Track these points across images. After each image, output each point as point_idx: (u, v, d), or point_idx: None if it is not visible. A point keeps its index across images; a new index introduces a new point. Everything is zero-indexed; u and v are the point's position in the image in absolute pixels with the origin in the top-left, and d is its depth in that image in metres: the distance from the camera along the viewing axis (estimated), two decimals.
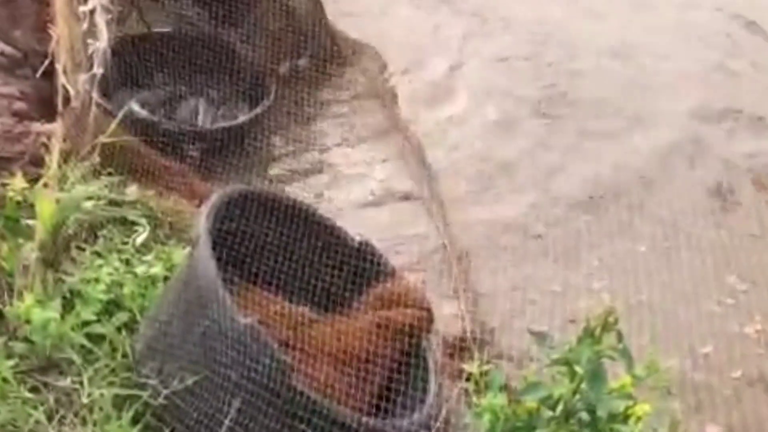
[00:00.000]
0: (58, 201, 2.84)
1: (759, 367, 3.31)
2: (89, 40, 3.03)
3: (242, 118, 4.11)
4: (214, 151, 3.86)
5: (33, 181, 3.16)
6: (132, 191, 3.17)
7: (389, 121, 4.46)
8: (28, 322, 2.52)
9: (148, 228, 3.04)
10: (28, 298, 2.55)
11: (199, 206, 3.33)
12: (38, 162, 3.33)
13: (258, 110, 4.06)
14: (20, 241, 2.77)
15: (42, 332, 2.48)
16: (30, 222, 2.86)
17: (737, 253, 3.79)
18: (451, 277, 3.35)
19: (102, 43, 2.98)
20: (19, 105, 3.87)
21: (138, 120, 3.74)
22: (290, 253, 2.70)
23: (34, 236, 2.78)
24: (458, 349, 2.89)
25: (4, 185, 3.14)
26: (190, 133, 3.86)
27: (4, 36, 4.33)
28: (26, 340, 2.51)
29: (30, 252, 2.69)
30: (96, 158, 3.19)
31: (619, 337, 1.98)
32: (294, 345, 2.44)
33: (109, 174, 3.23)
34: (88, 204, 2.92)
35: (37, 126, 3.64)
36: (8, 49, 4.21)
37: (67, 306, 2.64)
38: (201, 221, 2.40)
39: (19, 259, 2.69)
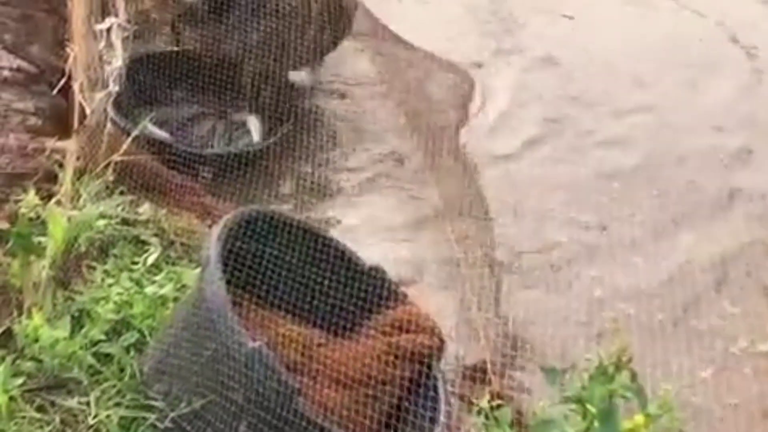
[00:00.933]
0: (70, 219, 2.84)
1: None
2: (107, 58, 3.03)
3: (257, 144, 4.08)
4: (226, 173, 3.85)
5: (46, 197, 3.17)
6: (144, 210, 3.18)
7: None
8: (36, 340, 2.51)
9: (159, 247, 3.04)
10: (38, 317, 2.54)
11: (211, 226, 3.33)
12: (52, 178, 3.35)
13: (274, 138, 4.04)
14: (31, 258, 2.77)
15: (50, 351, 2.48)
16: (41, 239, 2.86)
17: None
18: (479, 303, 3.30)
19: (118, 61, 2.99)
20: (34, 121, 3.89)
21: (152, 139, 3.75)
22: (300, 275, 2.69)
23: (45, 253, 2.79)
24: (479, 377, 2.86)
25: (17, 201, 3.16)
26: (202, 155, 3.84)
27: (21, 51, 4.35)
28: (34, 358, 2.50)
29: (41, 270, 2.69)
30: (110, 176, 3.19)
31: (633, 375, 1.95)
32: (302, 368, 2.43)
33: (122, 192, 3.23)
34: (101, 222, 2.91)
35: (51, 142, 3.65)
36: (24, 65, 4.23)
37: (76, 325, 2.63)
38: (212, 243, 2.40)
39: (29, 276, 2.69)
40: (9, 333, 2.62)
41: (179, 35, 4.20)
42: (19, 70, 4.17)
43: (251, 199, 3.81)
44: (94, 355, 2.55)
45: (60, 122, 4.07)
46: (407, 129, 4.49)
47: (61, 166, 3.28)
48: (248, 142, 4.13)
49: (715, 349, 3.32)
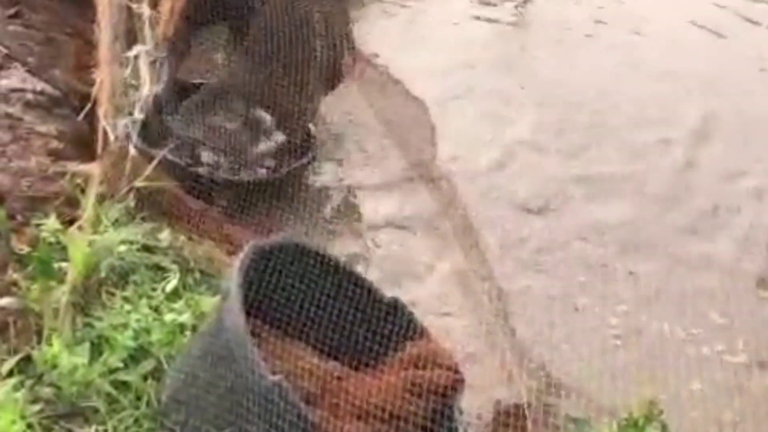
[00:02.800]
0: (91, 244, 2.85)
1: None
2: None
3: (275, 173, 4.09)
4: (243, 200, 3.85)
5: (67, 222, 3.18)
6: (164, 236, 3.17)
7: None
8: (55, 366, 2.51)
9: (178, 274, 3.03)
10: (57, 343, 2.54)
11: (230, 253, 3.33)
12: (73, 203, 3.36)
13: (292, 166, 4.05)
14: (51, 283, 2.77)
15: (69, 378, 2.47)
16: (62, 264, 2.87)
17: None
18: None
19: (145, 88, 3.00)
20: (56, 144, 3.91)
21: (171, 164, 3.75)
22: (320, 306, 2.68)
23: (66, 279, 2.79)
24: (512, 416, 2.84)
25: (38, 225, 3.17)
26: (219, 181, 3.85)
27: (44, 74, 4.39)
28: (53, 385, 2.50)
29: (61, 295, 2.69)
30: (131, 201, 3.19)
31: (663, 428, 1.92)
32: (321, 401, 2.42)
33: (143, 218, 3.24)
34: (121, 249, 2.91)
35: (73, 166, 3.67)
36: (47, 88, 4.27)
37: (95, 351, 2.63)
38: (233, 273, 2.39)
39: (49, 302, 2.69)
40: (28, 358, 2.61)
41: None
42: (42, 93, 4.21)
43: (269, 225, 3.82)
44: (112, 383, 2.54)
45: (82, 146, 4.09)
46: None
47: (82, 190, 3.28)
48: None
49: None
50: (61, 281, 2.77)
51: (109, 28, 3.15)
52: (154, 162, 3.22)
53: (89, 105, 3.21)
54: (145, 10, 3.14)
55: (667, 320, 3.59)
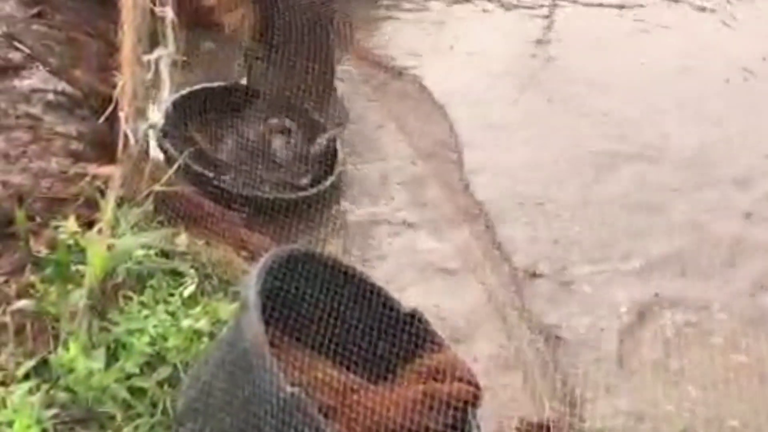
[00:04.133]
0: (109, 248, 2.83)
1: None
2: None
3: (300, 192, 4.06)
4: (264, 214, 3.82)
5: (86, 225, 3.17)
6: (182, 241, 3.15)
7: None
8: (71, 371, 2.50)
9: (195, 280, 3.02)
10: (74, 347, 2.53)
11: (248, 259, 3.31)
12: (92, 205, 3.34)
13: (317, 188, 4.03)
14: (69, 286, 2.76)
15: (85, 383, 2.46)
16: (80, 267, 2.86)
17: None
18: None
19: (165, 92, 2.99)
20: (76, 146, 3.90)
21: (195, 172, 3.75)
22: (339, 317, 2.65)
23: (83, 282, 2.78)
24: None
25: (57, 227, 3.16)
26: (240, 196, 3.82)
27: (65, 75, 4.39)
28: (69, 389, 2.48)
29: (79, 299, 2.67)
30: (149, 205, 3.18)
31: None
32: (338, 412, 2.39)
33: (161, 222, 3.22)
34: (139, 253, 2.90)
35: (92, 168, 3.66)
36: (69, 89, 4.26)
37: (111, 356, 2.61)
38: (251, 283, 2.37)
39: (66, 305, 2.68)
40: (44, 361, 2.60)
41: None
42: (63, 93, 4.21)
43: (288, 233, 3.79)
44: (128, 388, 2.53)
45: (101, 148, 4.08)
46: None
47: (102, 193, 3.27)
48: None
49: None
50: (79, 284, 2.76)
51: (133, 30, 3.13)
52: (175, 166, 3.20)
53: (110, 107, 3.19)
54: (168, 12, 3.11)
55: None
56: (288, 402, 2.13)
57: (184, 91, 3.99)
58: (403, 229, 4.09)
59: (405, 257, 3.88)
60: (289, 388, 2.15)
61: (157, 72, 3.07)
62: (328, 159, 4.18)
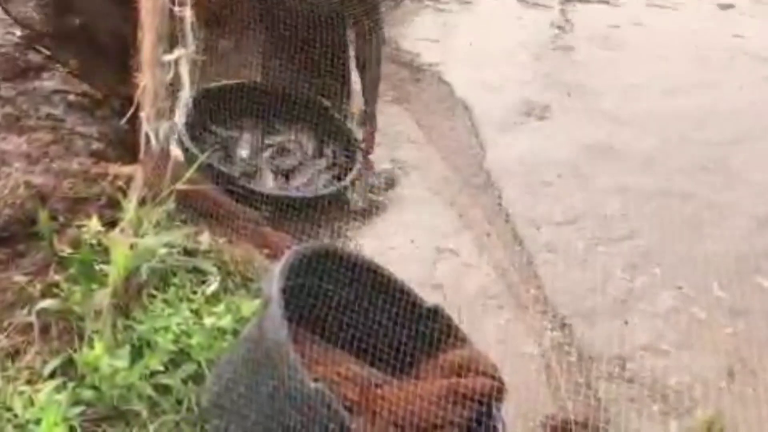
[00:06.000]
0: (132, 247, 2.85)
1: None
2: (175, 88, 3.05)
3: (321, 190, 4.08)
4: (284, 213, 3.84)
5: (109, 224, 3.19)
6: (204, 239, 3.17)
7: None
8: (96, 369, 2.52)
9: (218, 277, 3.03)
10: (99, 346, 2.55)
11: (269, 257, 3.33)
12: (114, 204, 3.37)
13: (336, 186, 4.04)
14: (93, 286, 2.78)
15: (110, 381, 2.48)
16: (103, 266, 2.88)
17: None
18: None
19: (185, 92, 3.00)
20: (97, 146, 3.94)
21: (218, 171, 3.77)
22: (360, 312, 2.66)
23: (107, 281, 2.80)
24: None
25: (80, 227, 3.19)
26: (261, 195, 3.84)
27: (86, 76, 4.42)
28: (94, 387, 2.50)
29: (103, 298, 2.69)
30: (171, 204, 3.19)
31: None
32: (361, 408, 2.40)
33: (183, 221, 3.24)
34: (163, 252, 2.91)
35: (114, 168, 3.68)
36: (89, 90, 4.29)
37: (136, 354, 2.63)
38: (274, 279, 2.38)
39: (91, 304, 2.70)
40: (70, 360, 2.63)
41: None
42: (84, 95, 4.24)
43: (308, 230, 3.80)
44: (153, 386, 2.55)
45: (123, 148, 4.11)
46: None
47: (124, 192, 3.30)
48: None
49: None
50: (103, 283, 2.78)
51: (153, 30, 3.14)
52: (196, 164, 3.22)
53: (132, 108, 3.21)
54: (187, 12, 3.12)
55: None
56: (312, 397, 2.14)
57: (203, 90, 4.01)
58: None
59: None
60: (312, 384, 2.15)
61: (177, 72, 3.07)
62: (347, 156, 4.19)
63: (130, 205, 2.94)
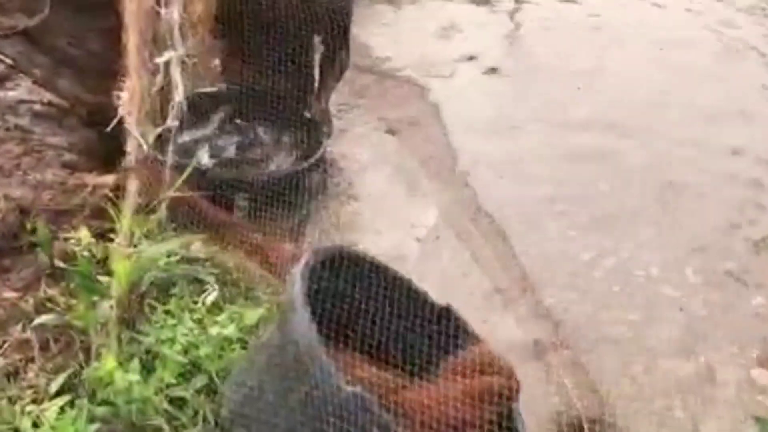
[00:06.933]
0: (132, 257, 2.76)
1: None
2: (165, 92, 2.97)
3: (290, 168, 4.04)
4: (264, 201, 3.77)
5: (97, 235, 3.09)
6: (198, 248, 3.09)
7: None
8: (108, 384, 2.42)
9: (216, 287, 2.96)
10: (109, 360, 2.45)
11: (262, 263, 3.26)
12: (99, 215, 3.26)
13: (308, 162, 4.00)
14: (94, 298, 2.68)
15: (125, 396, 2.39)
16: (102, 278, 2.78)
17: None
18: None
19: (179, 96, 2.92)
20: (69, 156, 3.81)
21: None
22: (375, 315, 2.62)
23: (108, 293, 2.70)
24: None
25: (66, 239, 3.07)
26: (237, 181, 3.78)
27: (49, 85, 4.28)
28: (108, 403, 2.40)
29: (109, 310, 2.60)
30: (163, 212, 3.11)
31: None
32: (395, 411, 2.35)
33: (175, 229, 3.16)
34: (164, 261, 2.83)
35: (91, 178, 3.57)
36: (55, 99, 4.16)
37: (146, 368, 2.54)
38: (296, 283, 2.33)
39: (95, 317, 2.60)
40: (75, 376, 2.53)
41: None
42: (49, 104, 4.10)
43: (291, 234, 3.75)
44: (168, 399, 2.46)
45: (93, 157, 3.99)
46: None
47: (112, 202, 3.20)
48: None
49: None
50: (104, 295, 2.68)
51: (138, 33, 3.05)
52: (187, 171, 3.14)
53: (117, 115, 3.11)
54: (174, 14, 3.04)
55: None
56: (351, 402, 2.09)
57: (193, 94, 3.95)
58: None
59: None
60: (350, 388, 2.10)
61: (168, 75, 2.98)
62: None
63: (124, 215, 2.84)
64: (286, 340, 2.28)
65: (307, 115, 4.35)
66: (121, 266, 2.66)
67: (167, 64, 3.01)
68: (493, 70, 5.68)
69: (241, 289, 3.06)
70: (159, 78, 3.06)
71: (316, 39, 4.47)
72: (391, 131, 4.93)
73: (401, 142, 4.80)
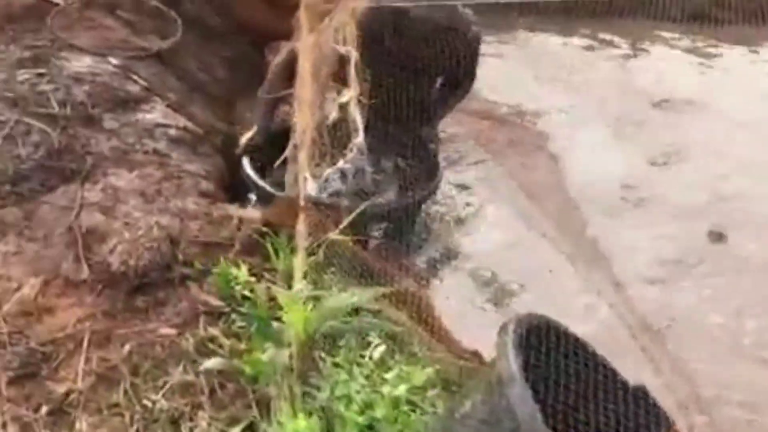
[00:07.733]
0: (307, 305, 2.60)
1: None
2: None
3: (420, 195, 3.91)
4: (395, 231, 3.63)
5: (253, 273, 2.94)
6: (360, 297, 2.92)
7: None
8: None
9: (380, 339, 2.79)
10: (293, 417, 2.28)
11: (421, 316, 3.09)
12: (251, 251, 3.12)
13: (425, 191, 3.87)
14: (267, 345, 2.52)
15: None
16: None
17: None
18: None
19: (358, 136, 2.78)
20: (205, 185, 3.68)
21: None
22: (572, 391, 2.43)
23: (281, 341, 2.54)
24: None
25: (218, 274, 2.92)
26: (374, 212, 3.61)
27: (182, 110, 4.18)
28: None
29: (286, 360, 2.43)
30: (321, 255, 2.95)
31: None
32: None
33: (333, 273, 3.00)
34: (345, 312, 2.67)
35: (234, 209, 3.44)
36: (190, 125, 4.05)
37: (324, 427, 2.37)
38: (510, 354, 2.15)
39: (274, 366, 2.43)
40: (250, 427, 2.36)
41: None
42: (185, 129, 3.99)
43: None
44: None
45: (224, 187, 3.86)
46: None
47: (264, 237, 3.05)
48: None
49: None
50: (279, 343, 2.52)
51: (311, 69, 2.93)
52: (354, 213, 2.98)
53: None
54: (353, 52, 2.91)
55: None
56: None
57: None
58: None
59: None
60: None
61: (346, 114, 2.85)
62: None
63: (299, 257, 2.69)
64: (499, 416, 2.10)
65: (426, 142, 4.20)
66: (299, 315, 2.49)
67: (345, 102, 2.88)
68: None
69: (401, 343, 2.88)
70: (333, 115, 2.93)
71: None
72: None
73: None
